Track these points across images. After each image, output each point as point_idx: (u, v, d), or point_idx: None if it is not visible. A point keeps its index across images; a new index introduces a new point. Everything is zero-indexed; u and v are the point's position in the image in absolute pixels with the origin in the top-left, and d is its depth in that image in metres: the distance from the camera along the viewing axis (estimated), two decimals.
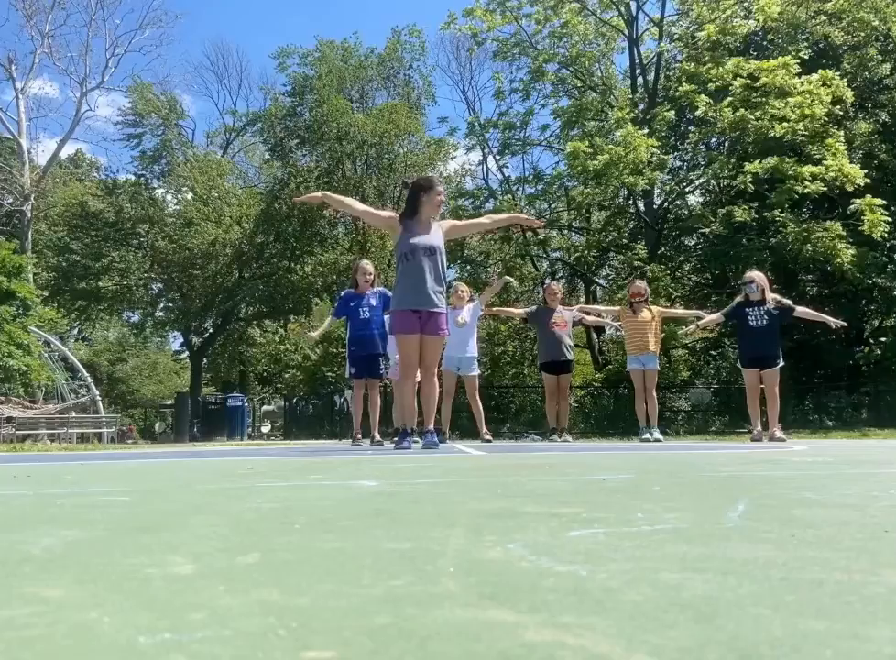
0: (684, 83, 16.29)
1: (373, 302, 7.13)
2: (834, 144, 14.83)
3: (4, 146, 27.72)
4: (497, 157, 23.37)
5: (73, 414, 16.88)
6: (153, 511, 1.59)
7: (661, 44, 19.15)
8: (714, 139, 19.15)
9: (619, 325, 8.36)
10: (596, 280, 22.51)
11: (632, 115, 17.00)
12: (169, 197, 30.41)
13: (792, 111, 15.03)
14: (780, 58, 15.63)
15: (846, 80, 15.88)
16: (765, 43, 18.42)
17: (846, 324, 7.91)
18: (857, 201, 14.43)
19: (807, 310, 7.80)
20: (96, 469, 3.54)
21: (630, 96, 19.71)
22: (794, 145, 15.65)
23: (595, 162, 15.81)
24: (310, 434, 17.93)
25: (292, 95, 28.64)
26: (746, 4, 17.51)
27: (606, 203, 20.46)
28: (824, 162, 14.68)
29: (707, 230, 17.77)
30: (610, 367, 18.41)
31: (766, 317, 7.33)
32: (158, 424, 28.56)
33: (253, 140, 32.83)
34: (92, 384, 19.31)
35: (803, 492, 1.83)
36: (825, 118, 15.12)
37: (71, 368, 19.89)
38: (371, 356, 7.15)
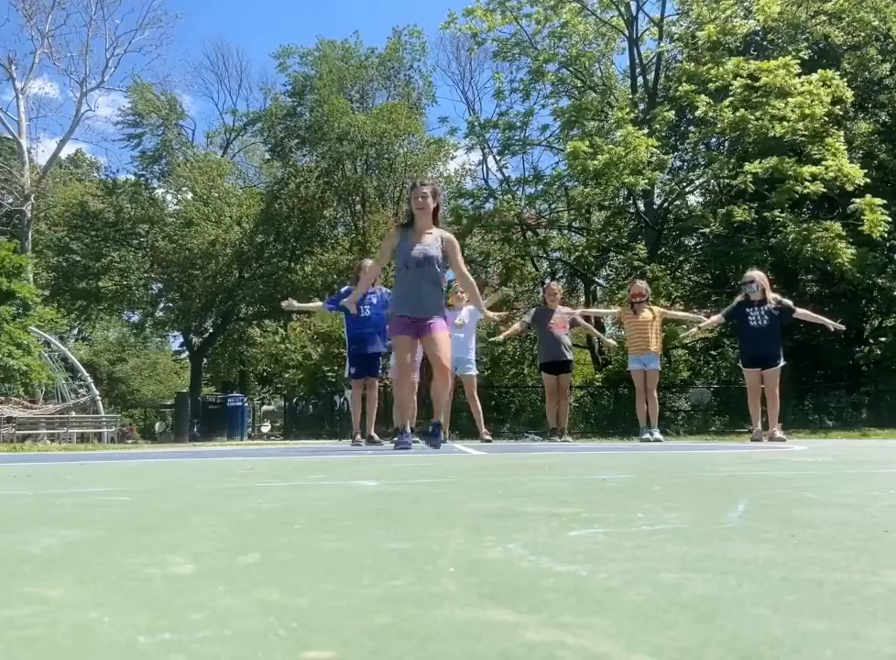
0: (684, 83, 16.28)
1: (374, 300, 7.14)
2: (834, 144, 14.82)
3: (4, 146, 27.70)
4: (497, 157, 23.37)
5: (73, 414, 16.87)
6: (153, 511, 1.59)
7: (661, 44, 19.14)
8: (714, 139, 19.14)
9: (615, 321, 8.39)
10: (596, 280, 22.50)
11: (632, 115, 16.99)
12: (169, 197, 30.44)
13: (792, 111, 15.02)
14: (780, 58, 15.62)
15: (846, 80, 15.87)
16: (765, 43, 18.41)
17: (843, 327, 7.88)
18: (857, 200, 14.42)
19: (807, 312, 7.78)
20: (96, 469, 3.54)
21: (630, 96, 19.70)
22: (794, 145, 15.64)
23: (595, 162, 15.81)
24: (310, 434, 17.92)
25: (292, 95, 28.65)
26: (746, 4, 17.50)
27: (606, 203, 20.45)
28: (824, 162, 14.68)
29: (707, 230, 17.76)
30: (610, 367, 18.40)
31: (767, 317, 7.33)
32: (158, 424, 28.53)
33: (253, 140, 32.83)
34: (92, 384, 19.30)
35: (803, 492, 1.83)
36: (825, 118, 15.11)
37: (71, 368, 19.89)
38: (371, 354, 7.17)
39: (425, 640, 0.57)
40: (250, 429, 23.59)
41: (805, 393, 17.68)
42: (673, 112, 17.35)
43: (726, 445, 6.96)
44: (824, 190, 14.68)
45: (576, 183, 19.47)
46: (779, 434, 7.18)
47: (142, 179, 29.52)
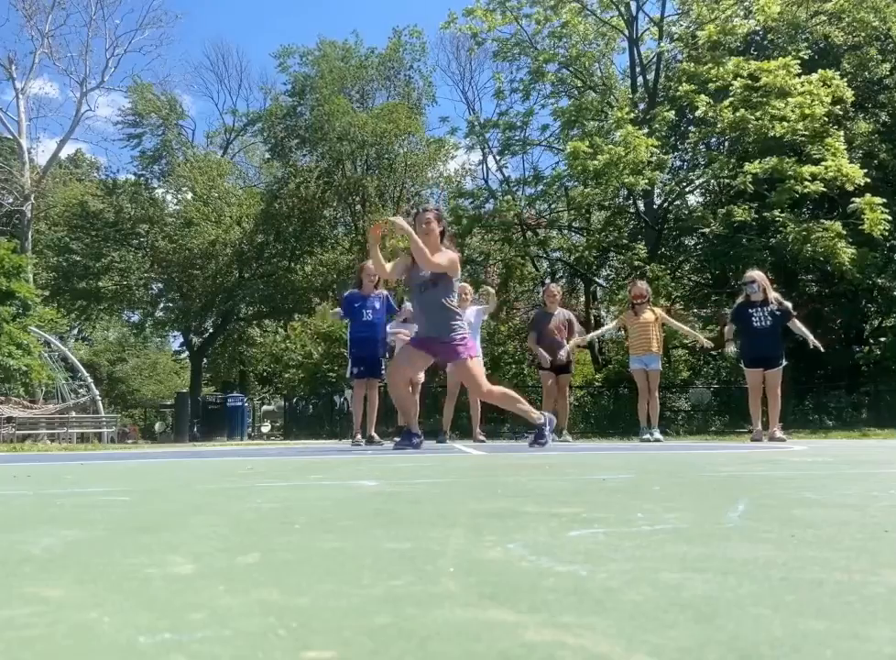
0: (684, 83, 16.28)
1: (377, 304, 7.13)
2: (834, 144, 14.82)
3: (4, 146, 27.70)
4: (497, 157, 23.36)
5: (73, 414, 16.87)
6: (153, 511, 1.59)
7: (661, 44, 19.15)
8: (714, 139, 19.13)
9: (618, 330, 8.37)
10: (596, 280, 22.49)
11: (632, 114, 16.98)
12: (169, 197, 30.44)
13: (792, 111, 15.02)
14: (780, 58, 15.62)
15: (846, 80, 15.87)
16: (765, 43, 18.42)
17: (823, 349, 7.77)
18: (857, 200, 14.41)
19: (798, 324, 7.57)
20: (96, 469, 3.54)
21: (630, 96, 19.70)
22: (794, 145, 15.64)
23: (595, 162, 15.81)
24: (310, 434, 17.91)
25: (293, 95, 28.66)
26: (746, 4, 17.51)
27: (606, 203, 20.44)
28: (824, 162, 14.68)
29: (707, 230, 17.76)
30: (610, 367, 18.40)
31: (769, 318, 7.34)
32: (158, 424, 28.51)
33: (253, 140, 32.84)
34: (92, 384, 19.30)
35: (803, 492, 1.83)
36: (825, 118, 15.11)
37: (71, 368, 19.89)
38: (373, 357, 7.15)
39: (425, 640, 0.57)
40: (250, 429, 23.58)
41: (805, 393, 17.67)
42: (673, 112, 17.34)
43: (726, 445, 6.96)
44: (824, 190, 14.67)
45: (576, 183, 19.48)
46: (779, 434, 7.18)
47: (142, 179, 29.53)
